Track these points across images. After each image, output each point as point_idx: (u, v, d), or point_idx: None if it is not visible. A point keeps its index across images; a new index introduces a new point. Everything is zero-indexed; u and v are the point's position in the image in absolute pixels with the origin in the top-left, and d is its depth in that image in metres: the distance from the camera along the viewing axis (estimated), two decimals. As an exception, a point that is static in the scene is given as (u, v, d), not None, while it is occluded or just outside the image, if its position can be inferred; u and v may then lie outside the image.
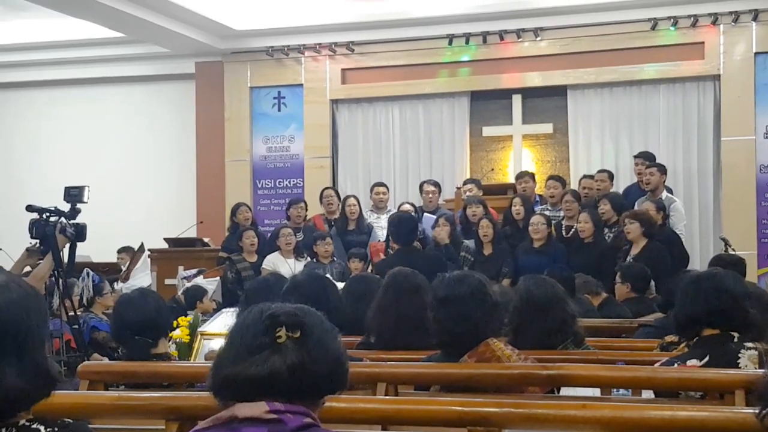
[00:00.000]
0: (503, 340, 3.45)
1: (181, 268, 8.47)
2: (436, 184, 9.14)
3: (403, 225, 7.47)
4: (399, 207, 9.02)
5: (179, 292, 7.72)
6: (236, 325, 1.81)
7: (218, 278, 8.08)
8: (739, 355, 3.27)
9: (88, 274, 7.05)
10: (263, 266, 8.02)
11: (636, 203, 8.02)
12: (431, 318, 3.43)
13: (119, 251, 9.68)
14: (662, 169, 8.28)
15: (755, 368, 3.21)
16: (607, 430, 2.37)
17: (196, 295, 7.27)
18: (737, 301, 3.38)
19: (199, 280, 7.93)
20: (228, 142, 11.51)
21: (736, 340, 3.33)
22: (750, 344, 3.31)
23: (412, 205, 9.01)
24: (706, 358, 3.27)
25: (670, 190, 8.51)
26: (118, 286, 8.12)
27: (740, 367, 3.23)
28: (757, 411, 2.01)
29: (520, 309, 3.94)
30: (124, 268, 8.93)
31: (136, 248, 9.51)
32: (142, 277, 8.33)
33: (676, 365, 3.31)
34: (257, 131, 11.55)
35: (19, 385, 1.75)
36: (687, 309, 3.42)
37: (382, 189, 9.28)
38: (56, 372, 1.85)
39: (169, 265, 8.67)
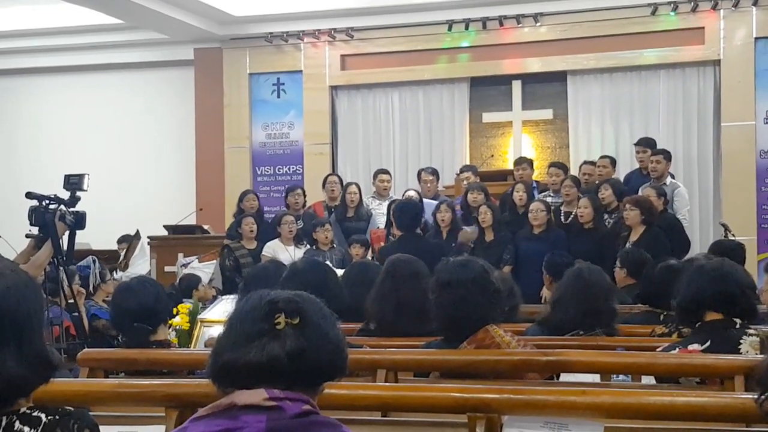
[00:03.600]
0: (503, 327, 3.45)
1: (180, 255, 8.46)
2: (434, 172, 9.13)
3: (407, 211, 7.50)
4: (403, 194, 9.01)
5: (178, 279, 7.73)
6: (235, 312, 1.81)
7: (215, 261, 8.08)
8: (741, 341, 3.28)
9: (94, 261, 7.06)
10: (263, 253, 8.00)
11: (640, 189, 7.98)
12: (432, 301, 3.44)
13: (119, 240, 9.66)
14: (668, 156, 8.24)
15: (756, 354, 3.21)
16: (607, 416, 2.37)
17: (190, 284, 7.27)
18: (743, 288, 3.39)
19: (195, 264, 7.93)
20: (227, 128, 11.50)
21: (738, 326, 3.33)
22: (752, 330, 3.32)
23: (417, 192, 9.00)
24: (708, 343, 3.28)
25: (673, 176, 8.50)
26: (118, 274, 8.14)
27: (741, 353, 3.24)
28: (756, 396, 2.01)
29: (566, 285, 4.19)
30: (122, 257, 8.94)
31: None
32: (140, 264, 8.33)
33: (677, 350, 3.32)
34: (256, 118, 11.53)
35: (18, 372, 1.75)
36: (692, 292, 3.42)
37: (386, 177, 9.27)
38: (56, 358, 1.86)
39: (168, 253, 8.66)
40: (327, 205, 9.03)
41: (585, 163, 9.00)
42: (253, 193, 9.17)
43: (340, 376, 1.81)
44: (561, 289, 4.23)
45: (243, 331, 1.74)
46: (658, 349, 3.42)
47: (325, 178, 9.22)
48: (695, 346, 3.29)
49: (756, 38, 9.93)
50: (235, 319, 1.79)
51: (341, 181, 9.17)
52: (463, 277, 3.35)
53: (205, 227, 9.29)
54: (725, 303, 3.36)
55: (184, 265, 8.09)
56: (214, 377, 1.77)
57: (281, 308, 1.74)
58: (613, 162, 8.89)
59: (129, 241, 9.62)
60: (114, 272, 8.15)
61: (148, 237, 9.00)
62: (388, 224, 8.10)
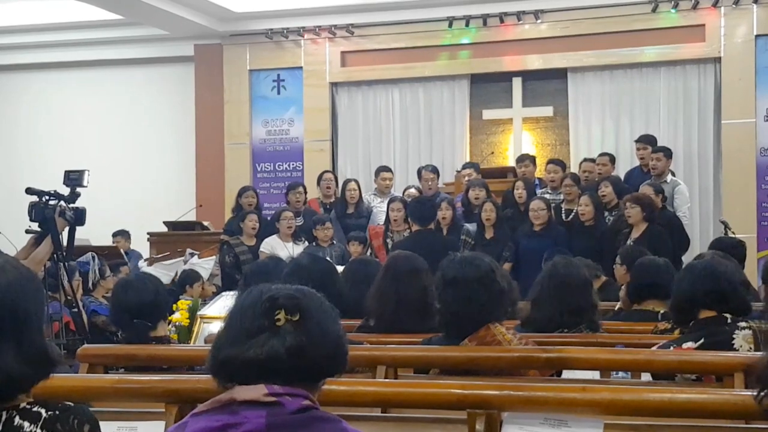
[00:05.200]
0: (505, 325, 3.44)
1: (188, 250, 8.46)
2: (435, 170, 9.12)
3: (422, 206, 7.53)
4: (404, 191, 9.01)
5: (178, 276, 7.73)
6: (235, 307, 1.81)
7: (214, 257, 8.07)
8: (734, 335, 3.29)
9: (94, 257, 7.06)
10: (261, 249, 8.00)
11: (641, 187, 7.97)
12: (437, 297, 3.42)
13: (114, 234, 9.67)
14: (668, 153, 8.24)
15: (750, 347, 3.23)
16: (607, 413, 2.37)
17: (186, 279, 7.26)
18: (734, 285, 3.40)
19: (194, 260, 7.92)
20: (227, 125, 11.49)
21: (729, 321, 3.35)
22: (743, 324, 3.32)
23: (417, 189, 9.01)
24: (701, 340, 3.29)
25: (674, 173, 8.50)
26: (141, 262, 8.26)
27: (735, 348, 3.25)
28: (755, 393, 2.01)
29: (541, 283, 4.06)
30: (123, 251, 8.94)
31: (129, 232, 9.57)
32: (163, 273, 8.30)
33: (672, 348, 3.32)
34: (257, 114, 11.52)
35: (18, 368, 1.75)
36: (685, 291, 3.44)
37: (388, 175, 9.27)
38: (55, 354, 1.86)
39: (168, 249, 8.66)
40: (322, 201, 9.03)
41: (585, 160, 9.01)
42: (252, 190, 9.16)
43: (340, 373, 1.81)
44: (537, 288, 4.09)
45: (243, 326, 1.74)
46: (654, 347, 3.43)
47: (321, 175, 9.22)
48: (689, 344, 3.30)
49: (756, 36, 9.92)
50: (235, 314, 1.79)
51: (336, 178, 9.18)
52: (469, 275, 3.31)
53: (205, 223, 9.29)
54: (717, 300, 3.38)
55: (191, 255, 8.11)
56: (214, 372, 1.77)
57: (281, 304, 1.74)
58: (613, 159, 8.90)
59: (125, 235, 9.65)
60: (143, 260, 8.35)
61: (148, 233, 9.01)
62: (387, 221, 8.10)
